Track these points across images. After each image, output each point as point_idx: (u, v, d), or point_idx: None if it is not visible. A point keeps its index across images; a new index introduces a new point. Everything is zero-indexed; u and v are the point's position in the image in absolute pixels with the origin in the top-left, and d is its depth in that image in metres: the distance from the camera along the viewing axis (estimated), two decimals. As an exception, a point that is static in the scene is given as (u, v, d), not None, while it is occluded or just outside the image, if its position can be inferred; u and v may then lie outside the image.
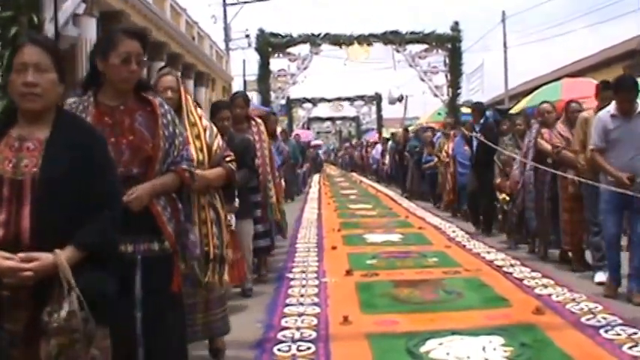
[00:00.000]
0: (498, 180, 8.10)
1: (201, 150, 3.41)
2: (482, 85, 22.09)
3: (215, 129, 3.64)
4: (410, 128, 19.08)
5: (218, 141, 3.61)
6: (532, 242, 7.58)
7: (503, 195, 7.97)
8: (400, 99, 24.40)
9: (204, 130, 3.53)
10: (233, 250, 4.61)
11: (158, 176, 2.58)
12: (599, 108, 5.83)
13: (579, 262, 6.50)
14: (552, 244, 7.06)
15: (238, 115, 5.71)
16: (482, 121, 9.42)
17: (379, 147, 24.05)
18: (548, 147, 6.74)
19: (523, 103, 12.13)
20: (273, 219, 6.37)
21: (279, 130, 10.83)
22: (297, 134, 21.52)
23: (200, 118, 3.54)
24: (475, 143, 9.22)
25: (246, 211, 5.20)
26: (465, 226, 9.90)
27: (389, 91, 26.70)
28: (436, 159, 12.77)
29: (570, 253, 6.69)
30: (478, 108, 10.24)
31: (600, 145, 5.45)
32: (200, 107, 3.79)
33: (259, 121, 6.28)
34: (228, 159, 3.64)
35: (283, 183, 8.88)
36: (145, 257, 2.52)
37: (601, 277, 5.76)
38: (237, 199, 4.75)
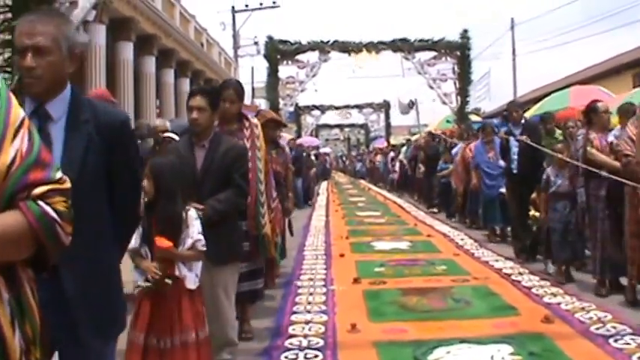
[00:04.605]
0: (534, 194, 6.97)
1: None
2: (488, 92, 22.16)
3: (20, 117, 1.38)
4: (415, 137, 18.92)
5: (20, 146, 1.33)
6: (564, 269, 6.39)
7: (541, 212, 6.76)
8: (411, 105, 23.85)
9: None
10: (198, 327, 2.99)
11: None
12: None
13: None
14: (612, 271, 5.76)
15: (227, 112, 4.24)
16: (523, 121, 7.88)
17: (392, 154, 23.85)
18: (604, 158, 5.61)
19: (531, 112, 12.09)
20: (266, 256, 4.69)
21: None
22: (292, 140, 20.32)
23: None
24: (516, 150, 7.54)
25: (229, 252, 3.70)
26: (484, 239, 9.55)
27: (398, 101, 25.95)
28: (451, 167, 12.14)
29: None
30: (516, 105, 8.46)
31: None
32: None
33: (255, 121, 4.64)
34: (39, 190, 1.35)
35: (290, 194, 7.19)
36: None
37: None
38: (199, 239, 3.03)
